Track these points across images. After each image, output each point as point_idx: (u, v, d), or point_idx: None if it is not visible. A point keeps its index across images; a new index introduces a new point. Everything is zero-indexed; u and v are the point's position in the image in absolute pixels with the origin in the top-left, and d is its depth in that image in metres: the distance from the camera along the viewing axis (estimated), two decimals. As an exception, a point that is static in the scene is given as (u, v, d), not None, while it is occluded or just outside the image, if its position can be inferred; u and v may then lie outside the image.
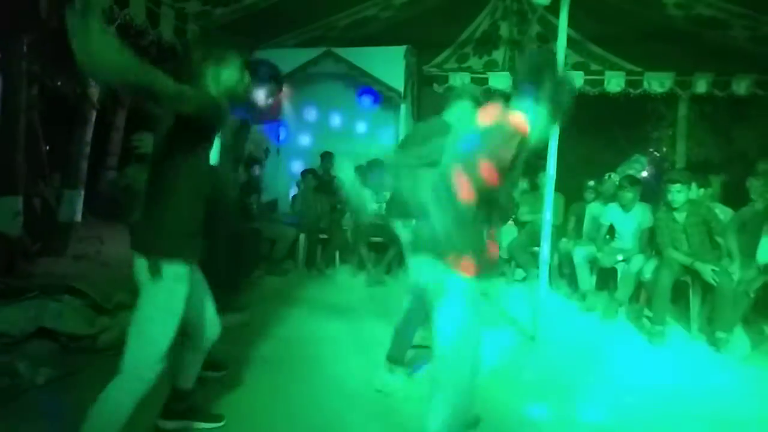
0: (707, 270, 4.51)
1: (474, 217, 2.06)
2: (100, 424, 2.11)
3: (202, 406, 2.76)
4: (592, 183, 6.59)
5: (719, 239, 4.88)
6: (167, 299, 2.19)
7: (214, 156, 2.50)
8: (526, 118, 2.11)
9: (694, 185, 5.29)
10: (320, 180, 7.14)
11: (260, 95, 3.92)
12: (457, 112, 3.53)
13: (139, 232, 2.30)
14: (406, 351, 3.34)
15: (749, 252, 4.77)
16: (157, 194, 2.21)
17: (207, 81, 2.39)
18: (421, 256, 2.16)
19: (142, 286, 2.18)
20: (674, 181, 4.79)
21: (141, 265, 2.18)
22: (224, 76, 2.40)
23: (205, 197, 2.30)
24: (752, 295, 4.49)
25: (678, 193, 4.74)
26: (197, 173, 2.24)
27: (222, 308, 3.99)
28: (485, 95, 3.56)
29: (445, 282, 2.06)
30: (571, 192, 6.81)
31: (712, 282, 4.47)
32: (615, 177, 6.32)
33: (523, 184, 7.01)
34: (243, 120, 3.48)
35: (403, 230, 3.56)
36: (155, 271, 2.14)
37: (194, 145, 2.21)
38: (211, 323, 2.55)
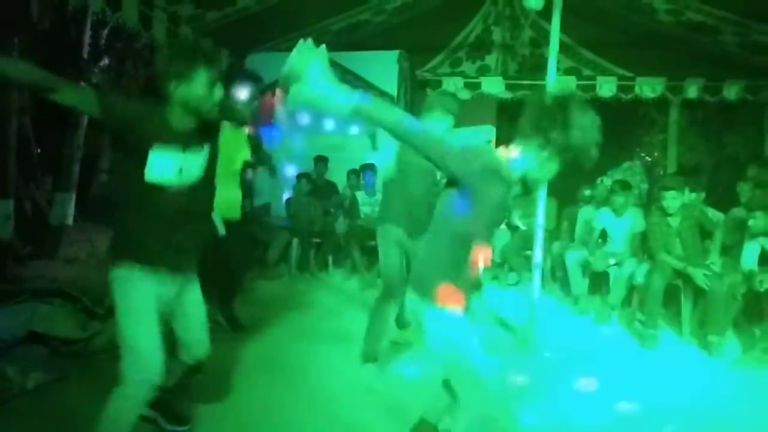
0: (699, 274, 4.53)
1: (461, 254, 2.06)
2: (113, 423, 2.18)
3: (173, 403, 2.71)
4: (588, 192, 6.61)
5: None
6: (121, 300, 2.23)
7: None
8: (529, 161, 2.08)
9: (686, 190, 5.33)
10: (314, 184, 7.14)
11: (242, 102, 3.88)
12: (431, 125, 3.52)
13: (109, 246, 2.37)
14: (378, 345, 3.40)
15: (736, 255, 4.81)
16: (119, 211, 2.32)
17: (170, 96, 2.21)
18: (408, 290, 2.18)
19: None
20: (668, 188, 4.83)
21: None
22: (185, 91, 2.20)
23: (166, 214, 2.27)
24: (739, 299, 4.51)
25: (673, 200, 4.78)
26: (143, 191, 2.23)
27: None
28: (459, 105, 3.55)
29: (425, 316, 2.08)
30: (563, 196, 6.83)
31: (704, 286, 4.50)
32: (607, 181, 6.35)
33: (516, 188, 7.00)
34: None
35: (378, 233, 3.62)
36: (109, 276, 2.24)
37: (131, 154, 2.20)
38: (198, 343, 2.52)
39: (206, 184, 2.43)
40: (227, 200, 3.73)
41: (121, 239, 2.30)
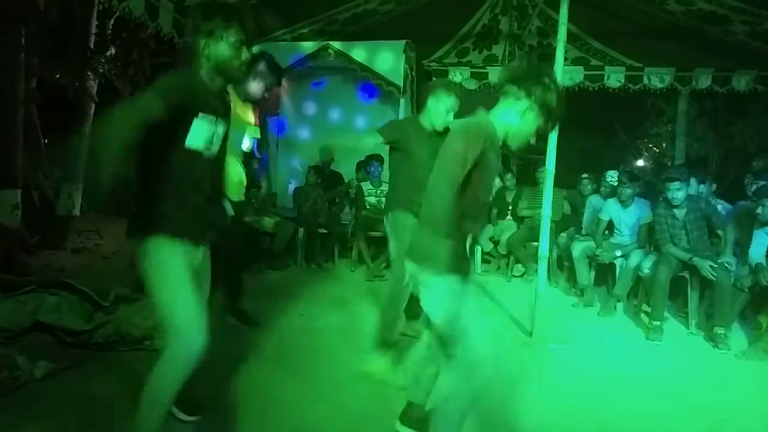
0: (705, 265, 4.51)
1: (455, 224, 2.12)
2: (158, 394, 2.14)
3: (191, 394, 2.70)
4: (586, 175, 6.64)
5: (720, 233, 4.90)
6: (157, 274, 2.16)
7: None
8: (514, 119, 2.19)
9: (693, 181, 5.29)
10: (321, 175, 7.14)
11: (257, 87, 3.96)
12: (433, 106, 3.55)
13: (130, 219, 2.28)
14: (392, 333, 3.41)
15: (745, 248, 4.78)
16: (144, 182, 2.21)
17: (200, 54, 2.23)
18: (408, 258, 2.28)
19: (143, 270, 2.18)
20: (672, 179, 4.78)
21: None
22: (216, 49, 2.23)
23: (197, 183, 2.28)
24: (746, 291, 4.49)
25: (677, 191, 4.73)
26: (181, 159, 2.20)
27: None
28: (458, 88, 3.63)
29: (424, 280, 2.19)
30: (570, 187, 6.82)
31: (711, 277, 4.47)
32: (613, 174, 6.29)
33: (512, 180, 7.09)
34: None
35: (386, 222, 3.61)
36: (139, 248, 2.15)
37: (172, 131, 2.16)
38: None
39: (221, 161, 2.47)
40: (231, 180, 3.73)
41: (151, 211, 2.20)
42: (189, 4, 5.36)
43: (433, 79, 7.67)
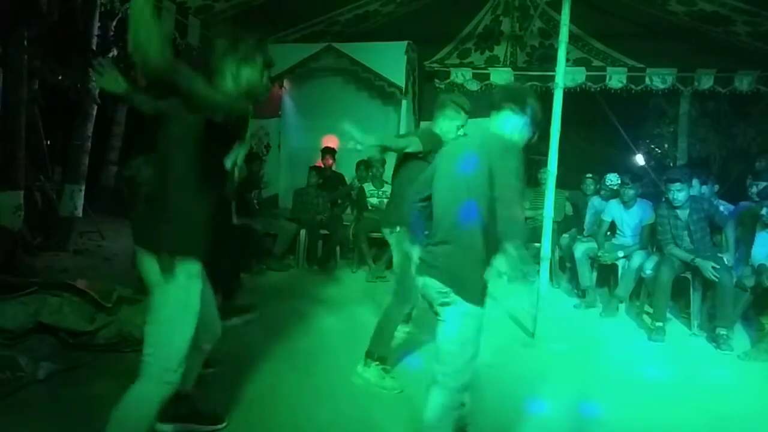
0: (708, 266, 4.50)
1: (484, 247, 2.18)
2: (130, 415, 2.06)
3: (201, 407, 2.69)
4: (590, 175, 6.63)
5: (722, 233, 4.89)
6: (184, 298, 2.09)
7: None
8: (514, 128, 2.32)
9: (695, 182, 5.28)
10: (322, 176, 7.14)
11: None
12: (444, 124, 3.48)
13: (147, 228, 2.16)
14: (386, 347, 3.38)
15: (747, 248, 4.77)
16: (168, 190, 2.10)
17: (226, 77, 2.18)
18: (433, 278, 2.25)
19: (155, 286, 2.08)
20: (673, 180, 4.77)
21: (151, 264, 2.07)
22: (246, 73, 2.19)
23: (215, 195, 2.21)
24: (748, 292, 4.48)
25: (678, 192, 4.72)
26: (211, 171, 2.13)
27: (223, 312, 4.01)
28: (470, 103, 3.52)
29: (452, 307, 2.18)
30: (572, 187, 6.82)
31: (713, 278, 4.47)
32: (614, 177, 6.27)
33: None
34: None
35: (390, 237, 3.57)
36: (170, 270, 2.04)
37: (215, 144, 2.10)
38: (213, 322, 2.49)
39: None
40: None
41: (188, 228, 2.09)
42: (190, 5, 5.38)
43: (436, 80, 7.67)
